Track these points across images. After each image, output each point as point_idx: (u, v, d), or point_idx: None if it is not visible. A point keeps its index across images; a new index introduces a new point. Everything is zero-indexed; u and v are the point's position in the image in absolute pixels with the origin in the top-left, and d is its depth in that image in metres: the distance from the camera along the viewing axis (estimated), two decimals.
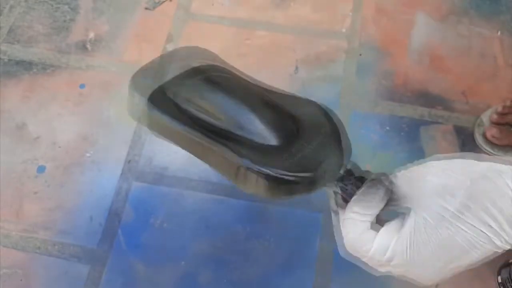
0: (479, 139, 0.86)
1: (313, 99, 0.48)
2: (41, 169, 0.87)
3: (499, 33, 0.98)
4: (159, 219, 0.82)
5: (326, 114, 0.47)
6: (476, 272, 0.78)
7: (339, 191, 0.41)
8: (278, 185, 0.41)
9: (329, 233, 0.80)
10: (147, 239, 0.80)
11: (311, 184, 0.41)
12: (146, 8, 1.03)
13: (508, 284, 0.73)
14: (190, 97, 0.46)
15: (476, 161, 0.36)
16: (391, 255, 0.37)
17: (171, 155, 0.87)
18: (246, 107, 0.45)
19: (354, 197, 0.38)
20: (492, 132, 0.83)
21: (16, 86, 0.95)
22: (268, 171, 0.40)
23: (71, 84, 0.95)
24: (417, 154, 0.86)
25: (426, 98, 0.91)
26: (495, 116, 0.85)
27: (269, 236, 0.80)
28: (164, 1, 1.04)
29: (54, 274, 0.78)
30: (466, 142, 0.87)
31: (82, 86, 0.95)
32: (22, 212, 0.83)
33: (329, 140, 0.44)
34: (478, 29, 0.98)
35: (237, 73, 0.52)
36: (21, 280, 0.78)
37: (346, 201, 0.40)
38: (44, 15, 1.03)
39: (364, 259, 0.39)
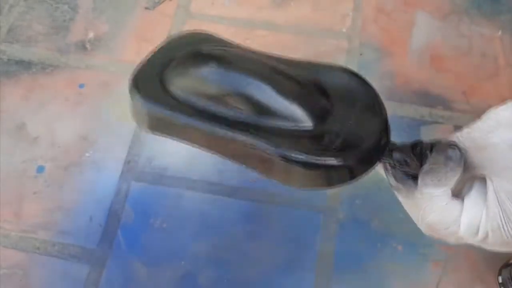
0: None
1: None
2: (40, 169, 0.86)
3: (500, 32, 0.98)
4: (158, 219, 0.82)
5: (357, 78, 0.41)
6: (476, 272, 0.77)
7: (396, 164, 0.36)
8: (325, 173, 0.36)
9: (329, 233, 0.80)
10: (147, 239, 0.80)
11: (362, 164, 0.36)
12: (146, 8, 1.03)
13: (509, 284, 0.73)
14: (198, 88, 0.40)
15: None
16: (483, 235, 0.32)
17: (171, 155, 0.87)
18: (268, 86, 0.38)
19: (425, 169, 0.33)
20: None
21: (15, 86, 0.95)
22: (310, 159, 0.35)
23: (70, 84, 0.95)
24: None
25: (427, 98, 0.91)
26: None
27: (269, 236, 0.80)
28: (164, 1, 1.04)
29: (53, 274, 0.78)
30: None
31: (81, 86, 0.95)
32: (22, 212, 0.83)
33: (370, 108, 0.39)
34: (479, 28, 0.98)
35: (246, 49, 0.45)
36: (20, 280, 0.78)
37: (407, 174, 0.36)
38: (43, 15, 1.03)
39: (449, 239, 0.34)
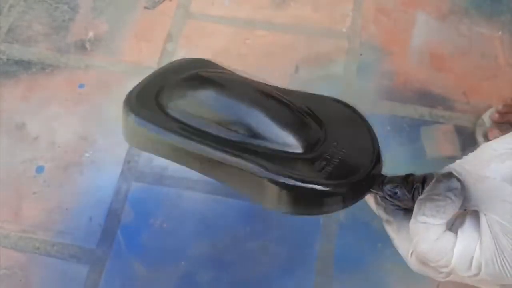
0: (480, 139, 0.86)
1: None
2: (40, 169, 0.86)
3: (500, 32, 0.98)
4: (158, 219, 0.82)
5: (350, 109, 0.42)
6: None
7: (387, 197, 0.36)
8: (316, 199, 0.36)
9: (329, 233, 0.80)
10: (146, 239, 0.80)
11: (353, 192, 0.36)
12: (146, 8, 1.03)
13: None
14: (191, 109, 0.40)
15: None
16: (476, 267, 0.32)
17: None
18: (261, 110, 0.39)
19: (423, 197, 0.32)
20: (494, 133, 0.83)
21: (15, 86, 0.95)
22: (300, 184, 0.35)
23: (70, 84, 0.95)
24: (418, 154, 0.85)
25: (427, 98, 0.91)
26: (496, 115, 0.85)
27: (269, 236, 0.80)
28: (164, 1, 1.04)
29: (53, 274, 0.78)
30: (466, 142, 0.87)
31: (81, 86, 0.94)
32: (21, 212, 0.83)
33: (362, 139, 0.39)
34: (479, 28, 0.98)
35: (243, 75, 0.46)
36: (20, 280, 0.78)
37: (397, 206, 0.36)
38: (43, 15, 1.03)
39: (439, 274, 0.34)
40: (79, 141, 0.89)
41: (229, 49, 0.97)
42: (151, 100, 0.42)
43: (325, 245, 0.79)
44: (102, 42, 0.99)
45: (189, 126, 0.39)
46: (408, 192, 0.35)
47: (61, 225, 0.81)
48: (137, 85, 0.44)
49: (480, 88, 0.92)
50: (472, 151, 0.34)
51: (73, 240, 0.80)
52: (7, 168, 0.86)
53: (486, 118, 0.87)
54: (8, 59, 0.98)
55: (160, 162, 0.86)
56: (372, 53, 0.96)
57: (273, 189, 0.36)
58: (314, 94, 0.44)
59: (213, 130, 0.39)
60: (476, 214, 0.32)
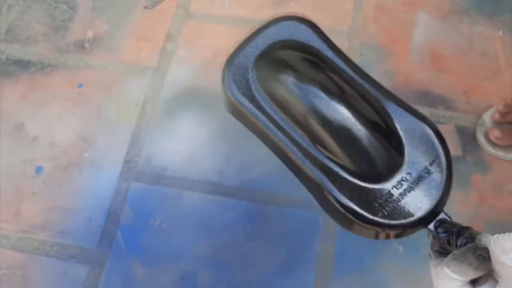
0: (481, 139, 0.85)
1: None
2: (39, 169, 0.86)
3: (500, 32, 0.97)
4: (158, 219, 0.81)
5: (439, 138, 0.40)
6: None
7: (437, 236, 0.37)
8: (374, 228, 0.38)
9: (329, 233, 0.80)
10: (146, 239, 0.80)
11: (410, 230, 0.38)
12: (145, 7, 1.03)
13: None
14: (285, 104, 0.42)
15: None
16: None
17: (171, 155, 0.86)
18: (344, 142, 0.40)
19: (454, 255, 0.35)
20: (495, 133, 0.83)
21: (14, 86, 0.95)
22: (364, 214, 0.37)
23: (69, 84, 0.95)
24: None
25: (427, 98, 0.91)
26: (497, 115, 0.85)
27: (269, 237, 0.80)
28: (164, 0, 1.03)
29: (53, 275, 0.78)
30: (467, 142, 0.86)
31: (80, 85, 0.94)
32: (21, 212, 0.83)
33: (437, 178, 0.38)
34: (480, 28, 0.98)
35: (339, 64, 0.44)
36: (20, 280, 0.77)
37: (440, 247, 0.37)
38: (42, 14, 1.03)
39: None
40: (79, 141, 0.89)
41: (229, 49, 0.97)
42: (246, 71, 0.44)
43: (325, 245, 0.79)
44: (102, 42, 0.99)
45: (281, 118, 0.41)
46: (457, 244, 0.36)
47: (60, 225, 0.81)
48: (236, 48, 0.46)
49: (481, 88, 0.92)
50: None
51: (72, 240, 0.80)
52: (7, 168, 0.86)
53: (487, 117, 0.87)
54: (7, 59, 0.98)
55: (160, 162, 0.86)
56: (372, 52, 0.96)
57: (336, 207, 0.38)
58: (408, 107, 0.42)
59: (300, 134, 0.40)
60: (495, 281, 0.35)
